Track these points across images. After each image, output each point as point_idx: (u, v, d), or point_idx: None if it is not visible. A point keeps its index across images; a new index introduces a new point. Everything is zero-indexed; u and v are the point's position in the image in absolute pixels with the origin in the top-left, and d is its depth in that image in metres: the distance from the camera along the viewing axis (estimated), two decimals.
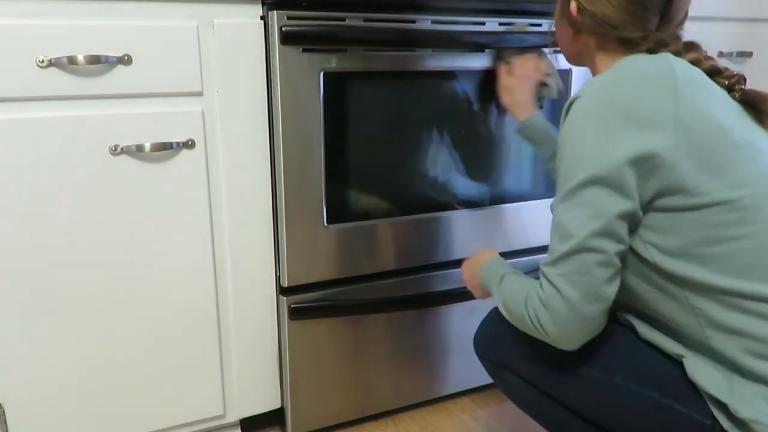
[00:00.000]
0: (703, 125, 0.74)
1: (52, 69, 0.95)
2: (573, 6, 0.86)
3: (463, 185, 1.31)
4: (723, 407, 0.76)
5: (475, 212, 1.33)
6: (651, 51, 0.82)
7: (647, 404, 0.81)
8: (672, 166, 0.73)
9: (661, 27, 0.82)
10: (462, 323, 1.39)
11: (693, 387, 0.79)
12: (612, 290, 0.78)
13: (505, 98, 1.20)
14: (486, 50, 1.23)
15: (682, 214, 0.74)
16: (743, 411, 0.73)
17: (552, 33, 1.26)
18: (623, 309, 0.89)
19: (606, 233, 0.75)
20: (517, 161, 1.35)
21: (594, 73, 0.91)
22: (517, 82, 1.19)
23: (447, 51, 1.20)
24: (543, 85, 1.22)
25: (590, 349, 0.86)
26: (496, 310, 1.00)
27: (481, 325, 1.01)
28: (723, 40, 1.58)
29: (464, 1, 1.21)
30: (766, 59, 1.65)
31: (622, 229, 0.76)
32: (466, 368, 1.43)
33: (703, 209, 0.74)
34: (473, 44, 1.20)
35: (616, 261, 0.77)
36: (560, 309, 0.77)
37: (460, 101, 1.26)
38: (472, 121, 1.28)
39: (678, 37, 0.84)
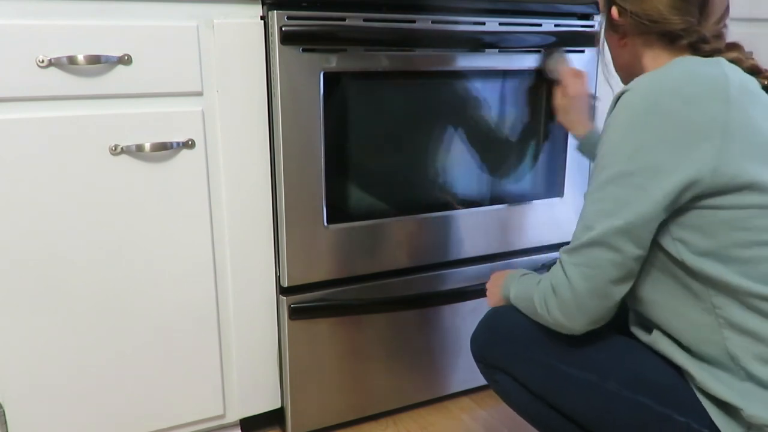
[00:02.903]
0: (749, 134, 0.74)
1: (52, 69, 0.95)
2: (614, 11, 0.87)
3: (463, 185, 1.31)
4: (733, 413, 0.75)
5: (475, 212, 1.33)
6: (694, 47, 0.83)
7: (641, 412, 0.80)
8: (714, 174, 0.72)
9: (702, 22, 0.82)
10: (462, 323, 1.39)
11: (692, 395, 0.79)
12: (620, 291, 0.79)
13: (562, 117, 1.25)
14: (486, 50, 1.23)
15: (717, 212, 0.74)
16: (759, 416, 0.72)
17: (552, 33, 1.27)
18: (635, 317, 0.89)
19: (627, 233, 0.76)
20: (517, 161, 1.35)
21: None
22: (571, 101, 1.23)
23: (447, 51, 1.20)
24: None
25: (587, 353, 0.87)
26: (492, 311, 1.00)
27: (478, 326, 1.00)
28: None
29: (464, 1, 1.21)
30: (766, 59, 1.64)
31: (646, 232, 0.76)
32: (466, 368, 1.43)
33: (740, 210, 0.73)
34: (473, 44, 1.20)
35: (632, 265, 0.78)
36: (566, 297, 0.80)
37: (460, 101, 1.26)
38: (471, 121, 1.28)
39: (720, 35, 0.84)
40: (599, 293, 0.79)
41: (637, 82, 0.77)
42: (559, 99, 1.25)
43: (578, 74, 1.24)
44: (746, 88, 0.76)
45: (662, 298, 0.81)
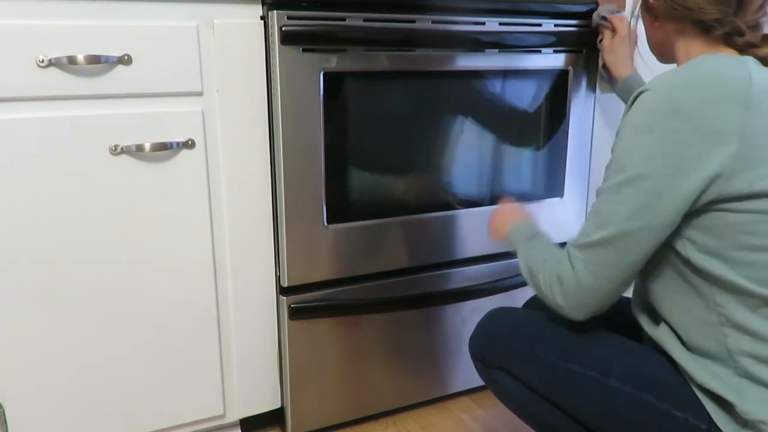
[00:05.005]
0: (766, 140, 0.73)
1: (52, 69, 0.95)
2: None
3: (463, 185, 1.31)
4: (728, 408, 0.76)
5: (474, 212, 1.33)
6: (728, 39, 0.82)
7: (642, 408, 0.81)
8: (728, 180, 0.73)
9: (738, 13, 0.80)
10: (462, 323, 1.39)
11: (690, 392, 0.79)
12: (624, 289, 0.81)
13: (608, 57, 1.28)
14: (486, 50, 1.23)
15: (727, 215, 0.74)
16: (753, 412, 0.73)
17: (551, 33, 1.27)
18: (638, 305, 0.90)
19: (640, 237, 0.77)
20: (517, 161, 1.35)
21: (677, 62, 0.90)
22: (619, 42, 1.26)
23: (447, 51, 1.20)
24: None
25: (588, 350, 0.88)
26: (491, 313, 1.01)
27: (476, 327, 1.01)
28: None
29: (464, 1, 1.21)
30: None
31: (659, 237, 0.77)
32: (466, 368, 1.43)
33: (750, 214, 0.74)
34: (473, 44, 1.20)
35: (639, 266, 0.79)
36: (571, 289, 0.82)
37: (460, 101, 1.26)
38: (471, 121, 1.28)
39: (756, 26, 0.82)
40: (604, 290, 0.80)
41: (656, 82, 0.77)
42: (607, 40, 1.28)
43: (624, 21, 1.26)
44: None
45: (667, 292, 0.82)
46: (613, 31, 1.27)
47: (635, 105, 0.78)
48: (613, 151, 0.81)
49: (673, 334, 0.83)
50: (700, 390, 0.79)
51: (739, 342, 0.76)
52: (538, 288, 0.88)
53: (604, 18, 1.28)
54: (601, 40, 1.30)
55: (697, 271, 0.77)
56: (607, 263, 0.79)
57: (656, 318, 0.87)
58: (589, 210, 0.83)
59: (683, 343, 0.82)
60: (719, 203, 0.74)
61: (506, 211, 1.08)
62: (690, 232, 0.77)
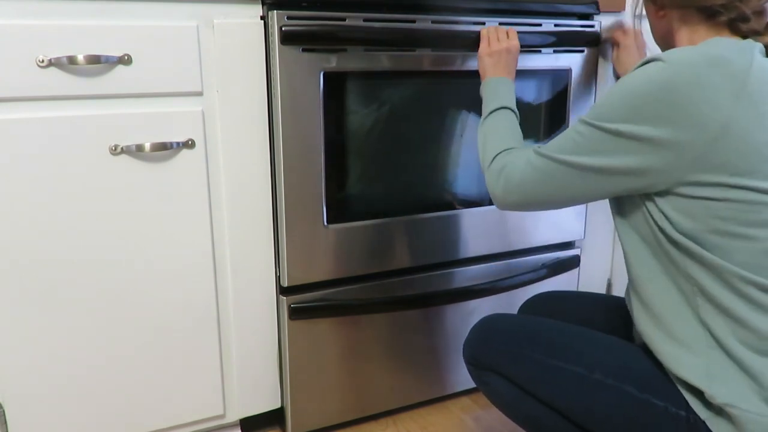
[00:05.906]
0: (752, 131, 0.73)
1: (52, 69, 0.95)
2: None
3: (463, 185, 1.31)
4: (699, 395, 0.78)
5: (475, 212, 1.33)
6: (732, 25, 0.82)
7: (624, 399, 0.83)
8: (694, 165, 0.75)
9: None
10: (462, 323, 1.39)
11: (669, 382, 0.81)
12: (544, 206, 0.90)
13: (619, 70, 1.32)
14: None
15: (696, 200, 0.76)
16: (719, 396, 0.75)
17: (551, 33, 1.27)
18: (627, 294, 0.92)
19: (589, 172, 0.82)
20: None
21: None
22: (624, 53, 1.29)
23: (447, 51, 1.20)
24: None
25: (575, 348, 0.90)
26: (485, 318, 1.02)
27: (470, 332, 1.02)
28: None
29: (464, 1, 1.21)
30: None
31: (606, 182, 0.81)
32: (465, 368, 1.42)
33: (717, 201, 0.75)
34: (473, 44, 1.20)
35: (571, 197, 0.86)
36: (508, 182, 0.90)
37: (460, 101, 1.26)
38: (471, 121, 1.29)
39: (762, 12, 0.82)
40: (534, 201, 0.89)
41: (668, 55, 0.77)
42: (614, 54, 1.33)
43: (626, 31, 1.30)
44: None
45: (644, 262, 0.84)
46: (616, 44, 1.29)
47: (642, 68, 0.78)
48: (606, 95, 0.82)
49: (650, 318, 0.84)
50: (676, 379, 0.81)
51: (710, 314, 0.78)
52: (483, 156, 0.98)
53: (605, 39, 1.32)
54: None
55: (673, 242, 0.79)
56: (550, 178, 0.85)
57: (638, 303, 0.88)
58: (571, 127, 0.86)
59: (660, 326, 0.83)
60: (684, 186, 0.76)
61: (503, 53, 1.13)
62: (665, 207, 0.79)
